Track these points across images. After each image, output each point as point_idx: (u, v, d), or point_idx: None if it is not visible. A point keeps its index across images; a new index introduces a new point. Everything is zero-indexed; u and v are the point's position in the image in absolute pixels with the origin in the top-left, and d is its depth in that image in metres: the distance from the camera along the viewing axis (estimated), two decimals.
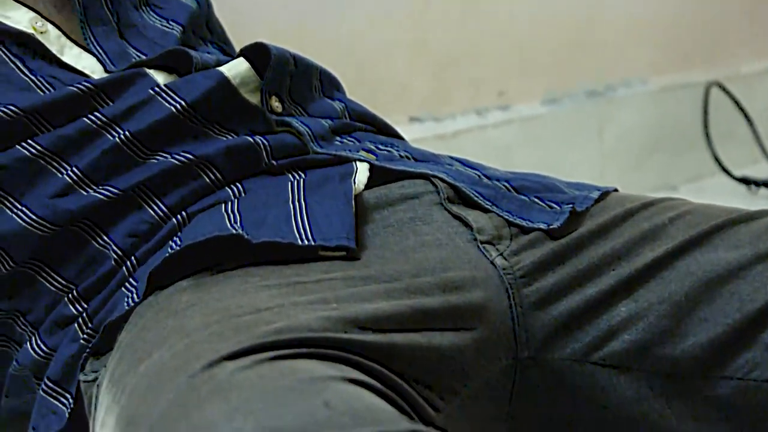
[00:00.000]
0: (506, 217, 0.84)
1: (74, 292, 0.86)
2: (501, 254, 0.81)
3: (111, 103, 0.86)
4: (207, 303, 0.72)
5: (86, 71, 0.89)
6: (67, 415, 0.82)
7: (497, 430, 0.80)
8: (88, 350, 0.81)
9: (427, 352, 0.72)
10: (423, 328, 0.73)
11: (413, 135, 1.26)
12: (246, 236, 0.77)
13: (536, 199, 0.86)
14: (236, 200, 0.84)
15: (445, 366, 0.74)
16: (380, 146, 0.92)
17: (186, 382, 0.61)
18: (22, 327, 0.89)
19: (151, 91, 0.86)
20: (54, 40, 0.90)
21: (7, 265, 0.86)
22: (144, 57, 0.91)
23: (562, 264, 0.81)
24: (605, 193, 0.88)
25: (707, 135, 1.96)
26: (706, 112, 1.96)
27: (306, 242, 0.78)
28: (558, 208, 0.85)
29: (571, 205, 0.85)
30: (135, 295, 0.79)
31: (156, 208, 0.84)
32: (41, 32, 0.89)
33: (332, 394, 0.59)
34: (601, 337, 0.79)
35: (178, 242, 0.80)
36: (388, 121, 0.99)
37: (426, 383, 0.71)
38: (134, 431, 0.60)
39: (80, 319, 0.85)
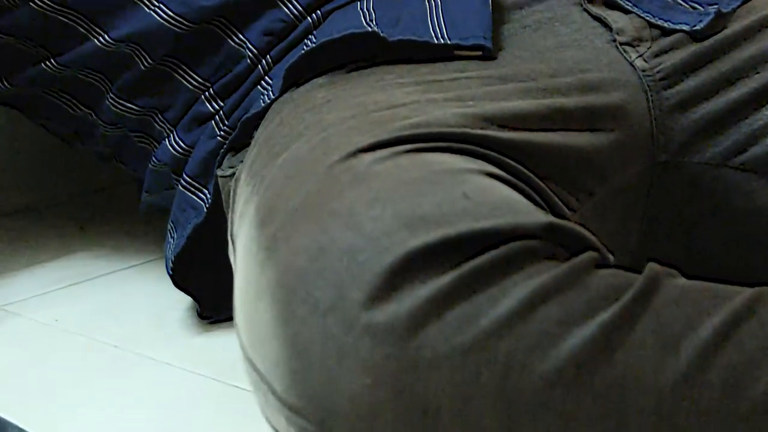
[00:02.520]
0: (647, 17, 0.82)
1: (211, 90, 0.87)
2: (641, 56, 0.79)
3: None
4: (343, 99, 0.72)
5: None
6: (205, 209, 0.84)
7: (631, 232, 0.80)
8: (225, 146, 0.83)
9: (564, 151, 0.72)
10: (560, 128, 0.73)
11: None
12: (381, 34, 0.76)
13: (679, 0, 0.83)
14: None
15: (581, 166, 0.73)
16: None
17: (324, 172, 0.61)
18: (161, 124, 0.91)
19: None
20: None
21: (145, 62, 0.87)
22: None
23: (704, 66, 0.79)
24: None
25: None
26: None
27: (442, 41, 0.77)
28: (702, 8, 0.82)
29: (716, 6, 0.82)
30: (271, 92, 0.79)
31: (291, 6, 0.84)
32: None
33: (470, 185, 0.59)
34: (743, 142, 0.77)
35: (314, 40, 0.80)
36: None
37: (562, 183, 0.71)
38: (273, 220, 0.61)
39: (217, 117, 0.86)
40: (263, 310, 0.58)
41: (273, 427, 0.60)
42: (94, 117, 0.95)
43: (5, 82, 0.95)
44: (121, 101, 0.91)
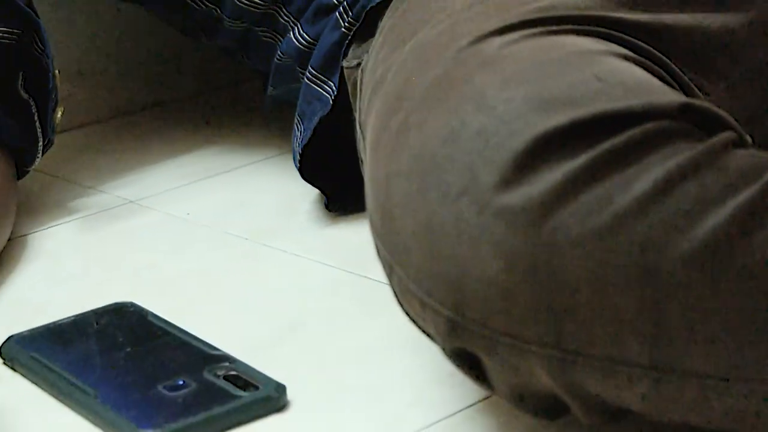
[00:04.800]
0: None
1: None
2: None
3: None
4: None
5: None
6: (331, 101, 0.84)
7: (763, 120, 0.78)
8: (350, 37, 0.82)
9: (696, 33, 0.70)
10: (691, 9, 0.71)
11: None
12: None
13: None
14: None
15: (714, 48, 0.71)
16: None
17: (453, 57, 0.61)
18: (285, 17, 0.91)
19: None
20: None
21: None
22: None
23: None
24: None
25: None
26: None
27: None
28: None
29: None
30: None
31: None
32: None
33: (603, 67, 0.58)
34: None
35: None
36: None
37: (694, 66, 0.69)
38: (403, 106, 0.61)
39: (341, 8, 0.85)
40: (395, 195, 0.58)
41: (406, 312, 0.61)
42: (219, 12, 0.95)
43: None
44: None
